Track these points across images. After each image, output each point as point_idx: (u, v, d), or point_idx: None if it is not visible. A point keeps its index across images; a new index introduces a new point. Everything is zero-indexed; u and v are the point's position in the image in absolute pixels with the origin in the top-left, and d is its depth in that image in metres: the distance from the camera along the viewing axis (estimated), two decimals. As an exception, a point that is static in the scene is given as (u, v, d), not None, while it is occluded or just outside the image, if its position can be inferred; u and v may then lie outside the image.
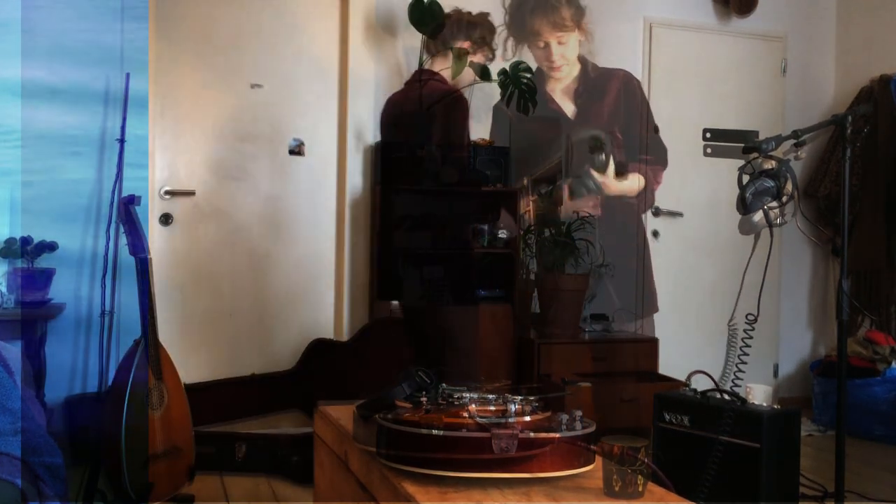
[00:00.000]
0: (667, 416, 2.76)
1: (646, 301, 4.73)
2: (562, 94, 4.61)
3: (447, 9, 3.90)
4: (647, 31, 4.80)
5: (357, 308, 4.24)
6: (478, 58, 3.72)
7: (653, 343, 4.29)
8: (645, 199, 4.79)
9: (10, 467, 1.75)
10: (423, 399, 1.61)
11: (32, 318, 3.35)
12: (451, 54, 4.14)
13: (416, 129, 3.54)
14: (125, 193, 3.44)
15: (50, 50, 3.70)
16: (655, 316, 4.77)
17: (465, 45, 3.65)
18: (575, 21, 4.49)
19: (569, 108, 4.64)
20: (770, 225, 2.56)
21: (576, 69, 4.58)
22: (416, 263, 3.95)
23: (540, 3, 4.44)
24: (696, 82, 4.91)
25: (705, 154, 2.83)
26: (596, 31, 4.61)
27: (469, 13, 3.89)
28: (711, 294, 4.86)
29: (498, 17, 4.39)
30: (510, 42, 4.43)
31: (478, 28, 3.68)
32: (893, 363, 4.36)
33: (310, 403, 3.70)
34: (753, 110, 5.01)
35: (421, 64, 4.21)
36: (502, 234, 3.60)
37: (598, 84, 4.67)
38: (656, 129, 4.80)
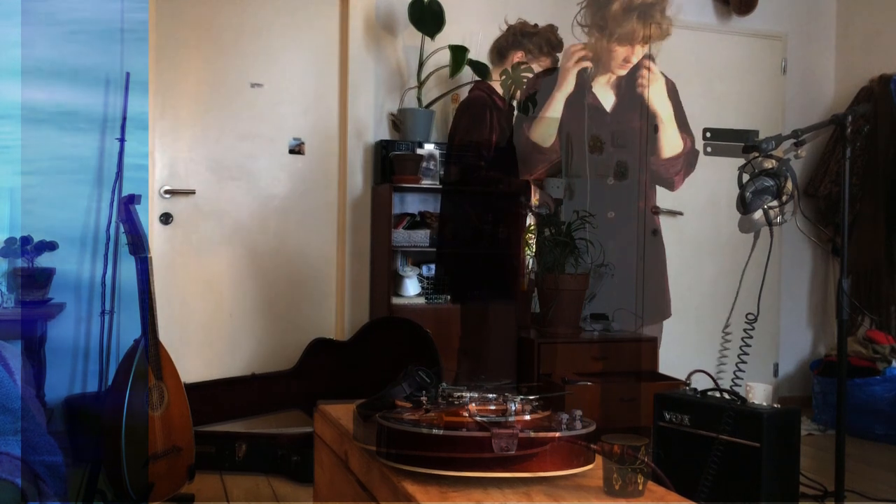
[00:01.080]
0: (667, 416, 2.76)
1: (658, 306, 4.68)
2: (604, 84, 4.55)
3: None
4: (647, 30, 4.79)
5: (357, 307, 4.24)
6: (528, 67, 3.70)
7: (653, 342, 4.29)
8: (646, 197, 4.78)
9: (11, 466, 1.75)
10: (423, 398, 1.61)
11: (32, 318, 3.35)
12: (450, 52, 4.15)
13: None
14: (125, 192, 3.44)
15: (49, 47, 3.70)
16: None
17: (518, 55, 3.64)
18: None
19: (608, 101, 4.59)
20: (770, 224, 2.56)
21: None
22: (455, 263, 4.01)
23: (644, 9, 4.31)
24: (697, 81, 4.90)
25: (705, 153, 2.82)
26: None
27: (534, 25, 3.83)
28: (711, 293, 4.86)
29: (483, 20, 4.35)
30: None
31: (534, 38, 3.66)
32: (893, 362, 4.36)
33: (310, 403, 3.71)
34: (753, 109, 5.01)
35: (420, 63, 4.21)
36: (541, 210, 3.61)
37: (632, 78, 4.61)
38: (655, 129, 4.78)
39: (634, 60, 4.13)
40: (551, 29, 3.83)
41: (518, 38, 3.67)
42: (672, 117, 3.90)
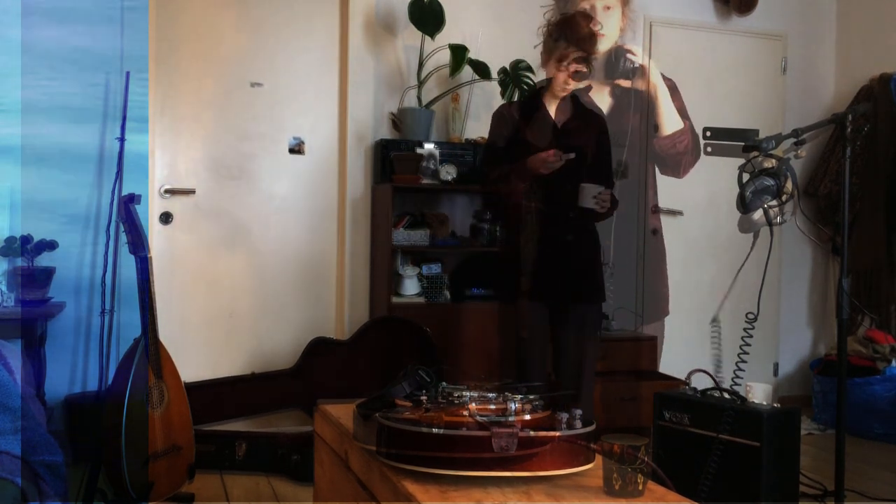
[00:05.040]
0: (667, 415, 2.76)
1: (658, 304, 4.67)
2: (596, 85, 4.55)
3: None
4: (648, 30, 4.80)
5: (357, 307, 4.24)
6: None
7: (653, 342, 4.29)
8: (646, 198, 4.79)
9: (11, 466, 1.75)
10: (423, 398, 1.61)
11: (32, 317, 3.35)
12: (450, 51, 4.14)
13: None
14: (125, 192, 3.44)
15: (50, 47, 3.70)
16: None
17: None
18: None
19: (605, 102, 4.56)
20: (770, 223, 2.56)
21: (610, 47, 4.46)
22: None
23: None
24: (697, 81, 4.90)
25: (705, 152, 2.82)
26: None
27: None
28: (711, 293, 4.86)
29: (483, 19, 4.35)
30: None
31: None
32: (893, 362, 4.36)
33: (310, 402, 3.70)
34: (753, 109, 5.01)
35: (420, 63, 4.21)
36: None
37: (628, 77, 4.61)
38: (656, 128, 4.79)
39: (599, 14, 4.10)
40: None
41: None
42: (669, 97, 3.82)
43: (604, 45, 4.35)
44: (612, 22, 4.45)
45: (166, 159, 4.03)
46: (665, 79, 4.01)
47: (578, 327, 3.11)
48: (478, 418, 1.44)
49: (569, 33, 2.96)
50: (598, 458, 1.47)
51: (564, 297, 3.07)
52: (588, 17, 3.08)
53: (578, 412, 1.50)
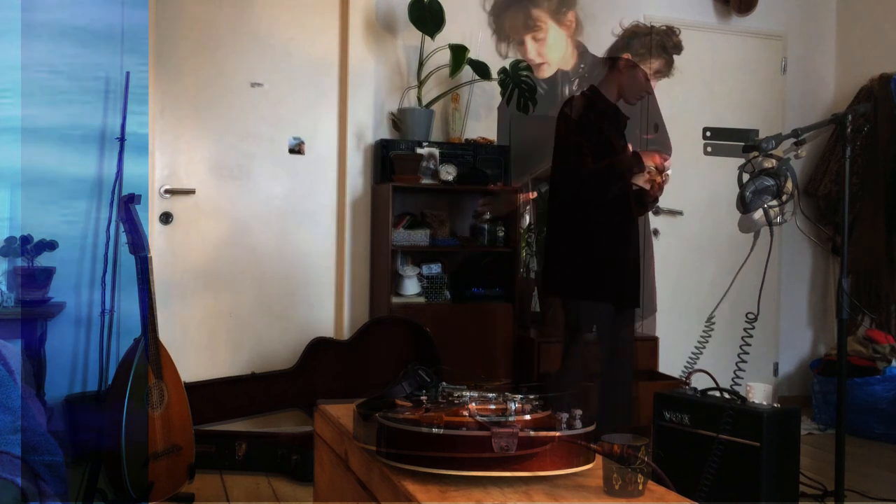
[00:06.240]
0: (667, 415, 2.76)
1: (646, 301, 4.67)
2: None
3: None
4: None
5: (357, 307, 4.24)
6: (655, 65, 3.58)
7: (653, 342, 4.29)
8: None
9: (11, 466, 1.75)
10: (424, 398, 1.62)
11: (32, 317, 3.35)
12: (450, 52, 4.14)
13: None
14: (125, 192, 3.44)
15: (50, 47, 3.70)
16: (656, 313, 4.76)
17: (625, 56, 3.51)
18: (555, 17, 4.23)
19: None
20: (770, 223, 2.56)
21: (569, 63, 4.40)
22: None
23: (512, 3, 4.16)
24: (696, 81, 4.90)
25: (705, 153, 2.82)
26: (594, 29, 4.53)
27: (649, 26, 3.72)
28: (711, 292, 4.85)
29: (483, 20, 4.33)
30: (497, 42, 4.32)
31: (644, 39, 3.54)
32: (893, 362, 4.36)
33: (310, 402, 3.71)
34: (753, 109, 5.01)
35: (420, 63, 4.21)
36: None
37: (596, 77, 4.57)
38: (656, 128, 4.78)
39: (530, 52, 4.10)
40: (667, 31, 3.70)
41: (627, 39, 3.60)
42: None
43: (548, 72, 4.26)
44: (552, 46, 4.31)
45: (166, 159, 4.03)
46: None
47: (632, 327, 3.21)
48: (478, 418, 1.44)
49: (676, 46, 3.08)
50: (598, 458, 1.47)
51: (631, 298, 3.20)
52: None
53: (578, 412, 1.50)
